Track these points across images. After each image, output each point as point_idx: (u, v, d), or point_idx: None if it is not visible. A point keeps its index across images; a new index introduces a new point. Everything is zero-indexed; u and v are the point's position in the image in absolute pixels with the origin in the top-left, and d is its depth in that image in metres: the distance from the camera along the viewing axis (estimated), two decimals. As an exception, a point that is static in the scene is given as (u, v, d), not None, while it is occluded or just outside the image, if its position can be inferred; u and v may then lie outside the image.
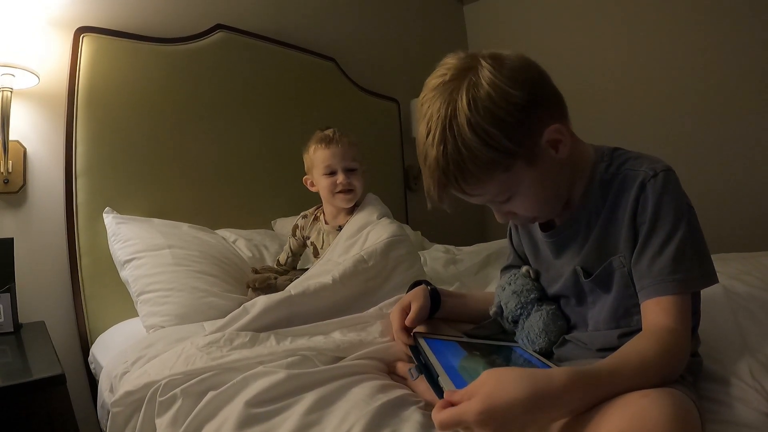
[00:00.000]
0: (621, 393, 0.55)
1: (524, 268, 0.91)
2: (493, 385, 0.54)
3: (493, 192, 0.73)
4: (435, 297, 0.93)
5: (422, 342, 0.79)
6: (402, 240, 1.33)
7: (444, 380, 0.63)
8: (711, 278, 0.70)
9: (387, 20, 2.83)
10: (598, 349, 0.76)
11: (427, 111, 0.70)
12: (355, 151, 1.46)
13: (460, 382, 0.62)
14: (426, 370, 0.68)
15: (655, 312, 0.67)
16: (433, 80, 0.71)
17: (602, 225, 0.76)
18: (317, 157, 1.43)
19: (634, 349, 0.63)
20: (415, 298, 0.89)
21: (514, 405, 0.52)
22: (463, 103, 0.66)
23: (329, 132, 1.45)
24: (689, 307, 0.68)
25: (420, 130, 0.71)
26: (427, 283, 0.96)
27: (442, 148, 0.67)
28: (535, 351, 0.84)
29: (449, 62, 0.71)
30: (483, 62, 0.68)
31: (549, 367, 0.75)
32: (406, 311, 0.87)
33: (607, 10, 2.72)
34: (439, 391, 0.61)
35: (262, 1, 2.19)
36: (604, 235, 0.76)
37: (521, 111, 0.67)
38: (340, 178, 1.40)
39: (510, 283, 0.90)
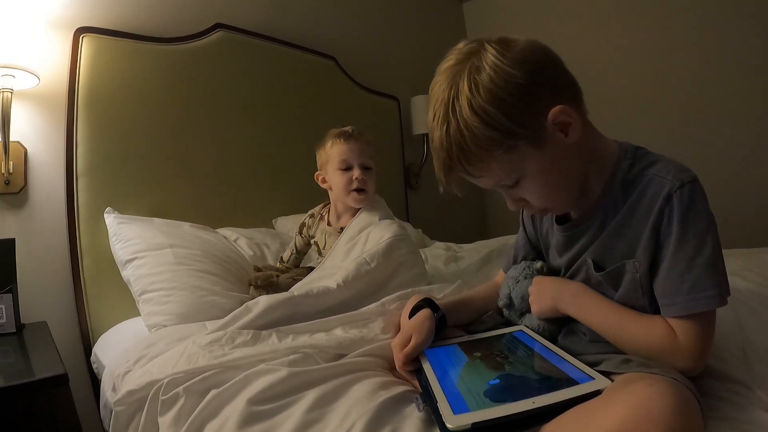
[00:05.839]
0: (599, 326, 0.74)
1: (539, 264, 0.90)
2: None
3: (498, 174, 0.72)
4: (440, 317, 0.91)
5: (424, 361, 0.79)
6: (404, 240, 1.33)
7: (443, 406, 0.63)
8: (727, 294, 0.69)
9: (387, 18, 2.83)
10: (593, 341, 0.77)
11: (434, 94, 0.73)
12: (372, 151, 1.46)
13: (459, 406, 0.62)
14: (427, 394, 0.68)
15: (684, 327, 0.67)
16: (442, 65, 0.73)
17: (618, 224, 0.75)
18: (334, 152, 1.42)
19: (648, 323, 0.70)
20: (417, 331, 0.84)
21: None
22: (464, 85, 0.68)
23: (348, 128, 1.45)
24: (713, 322, 0.68)
25: (429, 113, 0.74)
26: (433, 306, 0.91)
27: (445, 128, 0.70)
28: (542, 335, 0.84)
29: (457, 48, 0.73)
30: (488, 46, 0.70)
31: (551, 351, 0.76)
32: (406, 344, 0.83)
33: (606, 8, 2.72)
34: (438, 417, 0.62)
35: (262, 0, 2.19)
36: (619, 234, 0.75)
37: (522, 91, 0.67)
38: (356, 173, 1.39)
39: (525, 277, 0.90)
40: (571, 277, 0.84)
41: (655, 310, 0.72)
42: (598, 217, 0.77)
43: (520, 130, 0.68)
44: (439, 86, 0.72)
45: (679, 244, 0.68)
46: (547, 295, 0.84)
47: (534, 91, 0.68)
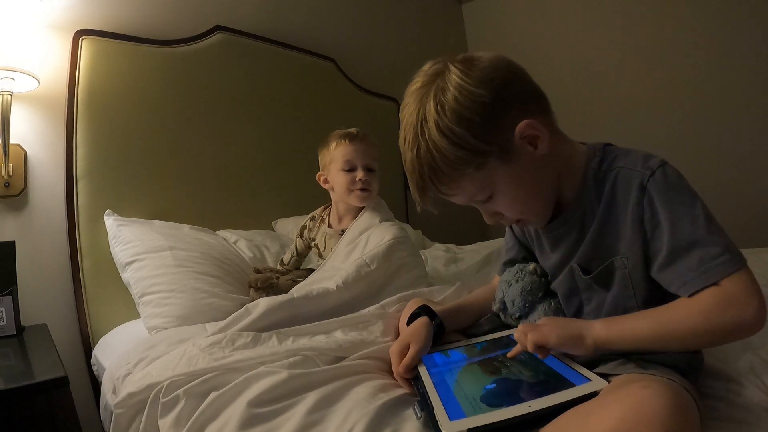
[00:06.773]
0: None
1: (532, 266, 0.90)
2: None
3: (470, 191, 0.74)
4: (438, 323, 0.91)
5: (421, 368, 0.79)
6: (404, 242, 1.33)
7: (439, 412, 0.63)
8: (739, 254, 0.64)
9: (386, 20, 2.83)
10: None
11: (403, 117, 0.75)
12: (376, 152, 1.46)
13: (455, 411, 0.62)
14: (424, 400, 0.69)
15: (727, 283, 0.62)
16: (410, 87, 0.75)
17: (599, 224, 0.75)
18: (338, 152, 1.41)
19: (688, 300, 0.63)
20: (415, 340, 0.84)
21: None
22: (431, 107, 0.69)
23: (353, 129, 1.45)
24: (749, 278, 0.62)
25: (400, 135, 0.75)
26: (430, 313, 0.91)
27: (415, 150, 0.71)
28: None
29: (423, 69, 0.75)
30: (452, 67, 0.71)
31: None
32: (404, 352, 0.83)
33: (605, 7, 2.72)
34: (434, 424, 0.62)
35: (261, 2, 2.20)
36: (601, 234, 0.75)
37: (487, 109, 0.68)
38: (360, 174, 1.38)
39: (518, 280, 0.90)
40: (561, 281, 0.83)
41: None
42: (576, 218, 0.77)
43: (489, 147, 0.69)
44: (407, 108, 0.73)
45: (672, 228, 0.66)
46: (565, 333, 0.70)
47: (500, 108, 0.69)
